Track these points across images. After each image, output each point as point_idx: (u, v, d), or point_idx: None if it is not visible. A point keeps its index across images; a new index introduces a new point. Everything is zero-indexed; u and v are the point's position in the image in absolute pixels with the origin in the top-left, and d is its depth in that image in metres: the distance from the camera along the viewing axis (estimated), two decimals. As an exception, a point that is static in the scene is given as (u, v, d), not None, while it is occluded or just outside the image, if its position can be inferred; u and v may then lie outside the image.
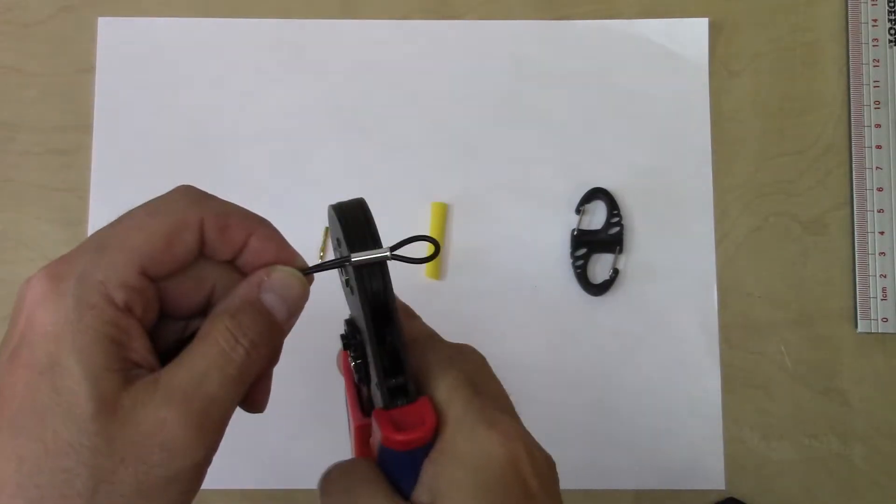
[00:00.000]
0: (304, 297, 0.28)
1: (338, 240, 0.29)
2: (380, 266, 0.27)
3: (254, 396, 0.29)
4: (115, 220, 0.27)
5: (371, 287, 0.27)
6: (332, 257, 0.30)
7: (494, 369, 0.31)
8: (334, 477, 0.29)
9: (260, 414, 0.30)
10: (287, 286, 0.28)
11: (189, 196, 0.28)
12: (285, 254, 0.29)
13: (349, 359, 0.30)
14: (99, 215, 0.55)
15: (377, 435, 0.28)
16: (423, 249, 0.29)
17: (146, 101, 0.57)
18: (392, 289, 0.28)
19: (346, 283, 0.30)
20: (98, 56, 0.57)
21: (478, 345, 0.33)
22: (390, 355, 0.28)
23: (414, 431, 0.27)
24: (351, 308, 0.30)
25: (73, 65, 0.57)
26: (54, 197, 0.56)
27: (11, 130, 0.56)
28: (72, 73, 0.57)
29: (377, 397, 0.28)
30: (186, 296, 0.28)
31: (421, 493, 0.27)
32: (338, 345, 0.33)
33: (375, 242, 0.28)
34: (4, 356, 0.25)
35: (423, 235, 0.30)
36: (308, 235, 0.55)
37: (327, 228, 0.55)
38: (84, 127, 0.56)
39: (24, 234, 0.55)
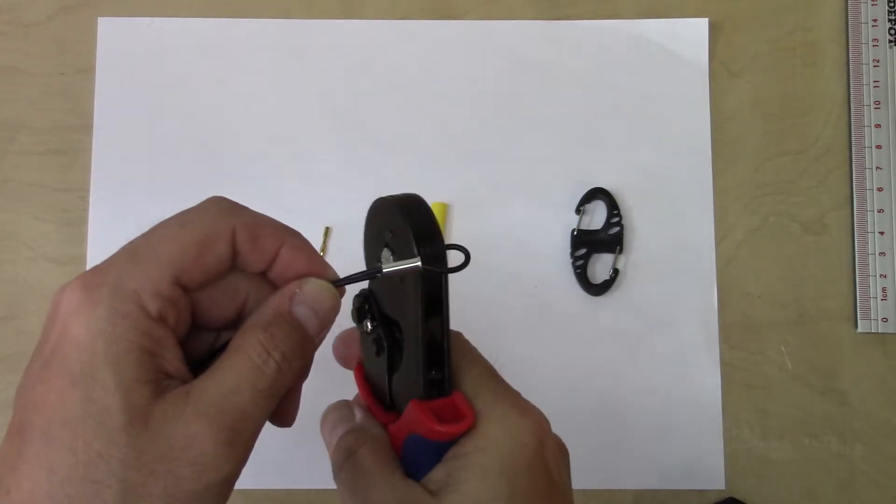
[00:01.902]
0: (335, 309, 0.28)
1: (390, 232, 0.29)
2: (444, 255, 0.27)
3: (283, 410, 0.29)
4: (148, 231, 0.27)
5: (433, 287, 0.27)
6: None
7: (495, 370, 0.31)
8: (352, 463, 0.29)
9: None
10: (319, 299, 0.28)
11: (221, 206, 0.27)
12: (316, 265, 0.29)
13: (363, 332, 0.30)
14: (99, 215, 0.55)
15: (411, 424, 0.28)
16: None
17: (146, 101, 0.57)
18: (448, 282, 0.28)
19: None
20: (98, 56, 0.57)
21: (478, 345, 0.33)
22: (435, 348, 0.28)
23: (458, 425, 0.27)
24: (383, 294, 0.30)
25: (73, 65, 0.57)
26: (54, 197, 0.56)
27: (11, 130, 0.56)
28: (72, 73, 0.57)
29: (405, 386, 0.29)
30: (219, 307, 0.28)
31: (435, 475, 0.27)
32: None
33: (441, 238, 0.27)
34: (37, 365, 0.25)
35: (455, 244, 0.29)
36: (308, 235, 0.55)
37: (328, 228, 0.55)
38: (84, 127, 0.56)
39: (24, 234, 0.55)
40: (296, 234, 0.29)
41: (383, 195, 0.29)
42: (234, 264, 0.28)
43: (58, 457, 0.23)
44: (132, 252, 0.26)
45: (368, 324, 0.30)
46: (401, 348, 0.29)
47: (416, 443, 0.28)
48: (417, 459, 0.28)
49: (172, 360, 0.25)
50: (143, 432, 0.23)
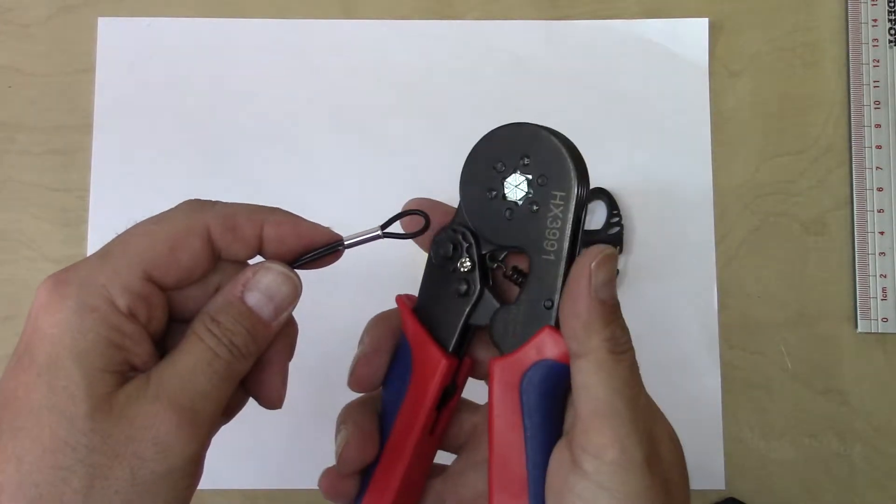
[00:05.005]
0: (291, 294, 0.28)
1: (526, 157, 0.30)
2: (587, 195, 0.30)
3: (267, 390, 0.29)
4: (122, 232, 0.27)
5: (579, 212, 0.29)
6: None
7: None
8: None
9: (258, 413, 0.30)
10: (273, 285, 0.28)
11: (193, 205, 0.28)
12: (305, 232, 0.29)
13: (448, 271, 0.31)
14: (99, 215, 0.55)
15: (547, 351, 0.29)
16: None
17: (146, 101, 0.57)
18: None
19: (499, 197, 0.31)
20: (98, 56, 0.57)
21: (478, 345, 0.33)
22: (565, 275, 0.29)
23: None
24: (486, 226, 0.31)
25: (73, 65, 0.57)
26: (54, 197, 0.56)
27: (11, 130, 0.56)
28: (72, 73, 0.57)
29: (519, 317, 0.30)
30: (195, 301, 0.28)
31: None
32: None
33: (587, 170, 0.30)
34: (12, 361, 0.25)
35: (413, 210, 0.30)
36: (308, 235, 0.55)
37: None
38: (84, 127, 0.56)
39: (24, 234, 0.55)
40: (273, 211, 0.29)
41: (505, 123, 0.31)
42: (220, 258, 0.28)
43: (25, 447, 0.23)
44: (104, 251, 0.26)
45: (466, 262, 0.31)
46: (518, 280, 0.30)
47: (550, 370, 0.28)
48: (550, 388, 0.29)
49: (141, 353, 0.26)
50: (107, 418, 0.24)
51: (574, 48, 0.57)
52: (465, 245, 0.31)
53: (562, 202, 0.29)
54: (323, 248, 0.29)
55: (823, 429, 0.54)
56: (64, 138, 0.56)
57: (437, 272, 0.32)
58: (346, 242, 0.29)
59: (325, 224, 0.56)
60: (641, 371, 0.30)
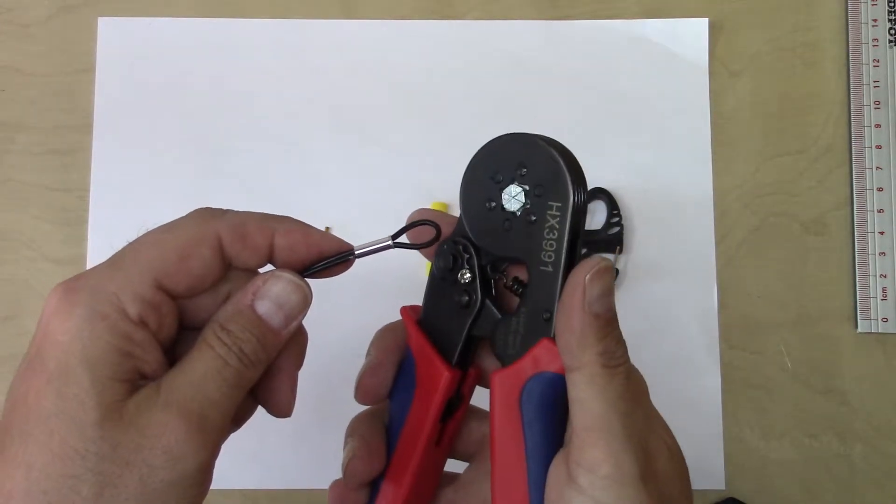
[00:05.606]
0: (302, 303, 0.28)
1: (524, 168, 0.30)
2: (585, 204, 0.30)
3: (277, 398, 0.29)
4: (133, 241, 0.27)
5: (576, 222, 0.29)
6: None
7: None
8: None
9: (259, 415, 0.30)
10: (283, 293, 0.28)
11: (204, 213, 0.28)
12: (315, 240, 0.29)
13: (450, 283, 0.31)
14: (99, 215, 0.55)
15: (545, 363, 0.28)
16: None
17: (146, 101, 0.57)
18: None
19: (499, 209, 0.30)
20: (98, 56, 0.57)
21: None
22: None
23: None
24: (486, 238, 0.31)
25: (73, 65, 0.57)
26: (54, 197, 0.56)
27: (11, 130, 0.56)
28: (72, 73, 0.57)
29: (518, 328, 0.29)
30: (205, 309, 0.28)
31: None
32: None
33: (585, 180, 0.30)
34: (22, 367, 0.25)
35: (425, 220, 0.30)
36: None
37: (327, 229, 0.55)
38: (84, 127, 0.56)
39: (24, 234, 0.55)
40: (284, 220, 0.29)
41: (502, 133, 0.30)
42: (231, 266, 0.28)
43: (34, 454, 0.23)
44: (114, 258, 0.26)
45: (467, 273, 0.31)
46: (518, 290, 0.30)
47: (548, 382, 0.28)
48: (548, 401, 0.28)
49: (151, 362, 0.26)
50: (117, 426, 0.24)
51: (574, 48, 0.57)
52: (466, 256, 0.31)
53: (558, 213, 0.29)
54: (334, 258, 0.29)
55: (823, 429, 0.54)
56: (64, 138, 0.56)
57: (440, 284, 0.31)
58: (356, 252, 0.28)
59: (324, 224, 0.56)
60: (642, 371, 0.30)
